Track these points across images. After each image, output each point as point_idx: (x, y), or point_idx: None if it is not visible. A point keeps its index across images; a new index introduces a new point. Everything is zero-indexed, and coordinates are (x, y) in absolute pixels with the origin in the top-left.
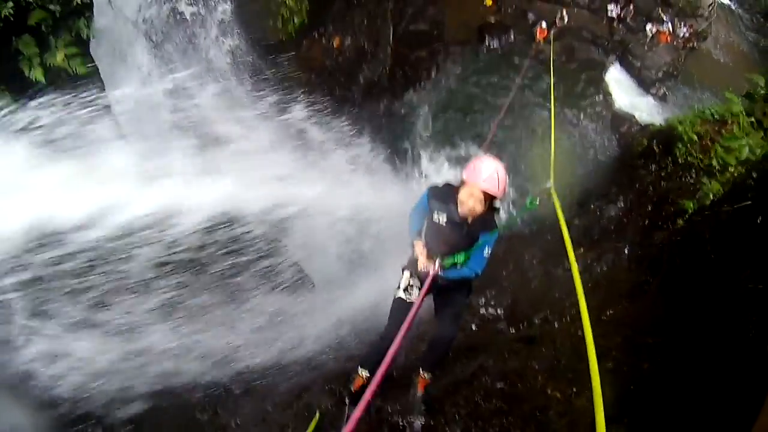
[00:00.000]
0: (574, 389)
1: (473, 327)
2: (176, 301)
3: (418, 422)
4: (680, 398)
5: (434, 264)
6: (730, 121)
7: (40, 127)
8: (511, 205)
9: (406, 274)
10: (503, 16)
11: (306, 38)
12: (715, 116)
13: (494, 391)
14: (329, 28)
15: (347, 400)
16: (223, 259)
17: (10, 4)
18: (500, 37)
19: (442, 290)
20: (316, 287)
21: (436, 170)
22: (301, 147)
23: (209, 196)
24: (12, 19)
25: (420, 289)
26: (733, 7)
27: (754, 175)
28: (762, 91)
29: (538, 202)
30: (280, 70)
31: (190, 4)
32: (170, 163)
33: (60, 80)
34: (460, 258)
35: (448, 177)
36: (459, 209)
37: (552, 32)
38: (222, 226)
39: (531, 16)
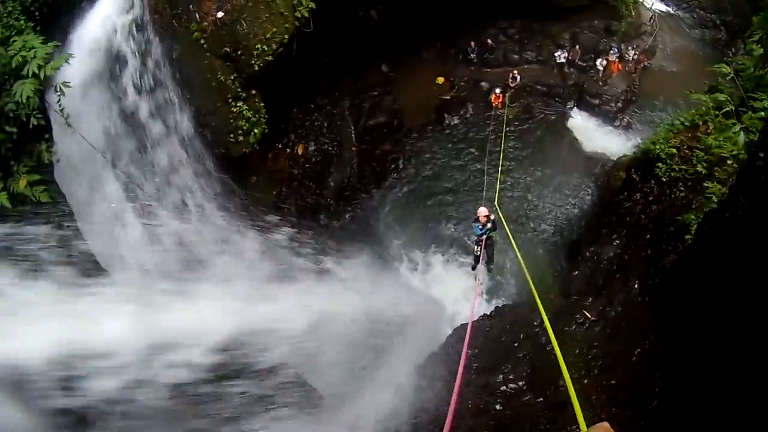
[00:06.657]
0: None
1: (497, 407)
2: None
3: None
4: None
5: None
6: (701, 123)
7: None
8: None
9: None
10: (457, 90)
11: (270, 150)
12: (686, 123)
13: None
14: (291, 136)
15: None
16: (219, 385)
17: None
18: (458, 113)
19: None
20: (324, 401)
21: (424, 260)
22: (283, 265)
23: (196, 325)
24: None
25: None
26: (672, 12)
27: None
28: (730, 76)
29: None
30: (249, 186)
31: (151, 119)
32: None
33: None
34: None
35: (433, 262)
36: (480, 223)
37: (507, 95)
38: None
39: (484, 85)
